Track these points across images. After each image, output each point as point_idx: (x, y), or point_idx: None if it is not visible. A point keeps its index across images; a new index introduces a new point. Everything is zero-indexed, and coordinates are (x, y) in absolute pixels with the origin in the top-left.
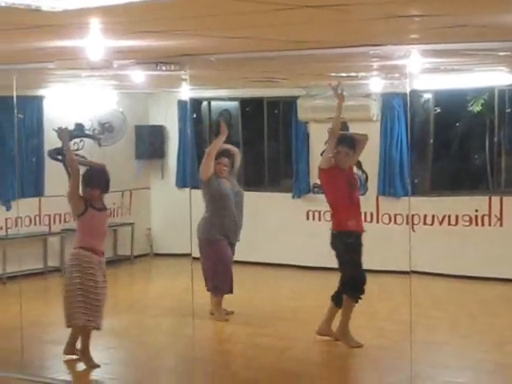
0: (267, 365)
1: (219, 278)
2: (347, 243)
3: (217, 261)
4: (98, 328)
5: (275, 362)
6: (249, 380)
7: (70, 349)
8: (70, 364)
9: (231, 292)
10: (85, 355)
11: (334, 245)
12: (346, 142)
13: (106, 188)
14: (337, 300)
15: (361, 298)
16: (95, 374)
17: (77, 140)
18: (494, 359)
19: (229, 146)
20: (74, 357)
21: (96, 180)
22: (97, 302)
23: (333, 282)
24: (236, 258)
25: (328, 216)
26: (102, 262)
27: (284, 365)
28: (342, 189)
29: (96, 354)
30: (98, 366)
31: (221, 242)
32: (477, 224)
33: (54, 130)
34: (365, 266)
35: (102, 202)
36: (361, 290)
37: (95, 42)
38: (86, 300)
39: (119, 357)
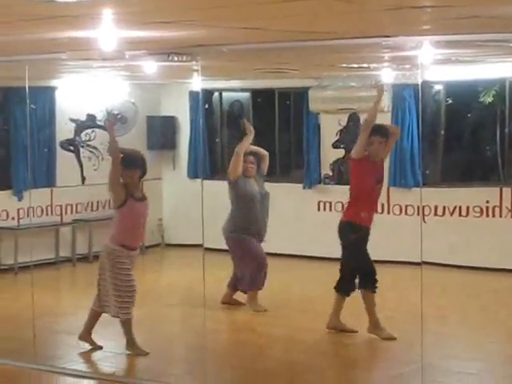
0: (279, 355)
1: (254, 274)
2: (354, 234)
3: (250, 258)
4: (129, 318)
5: (287, 353)
6: (260, 370)
7: (85, 335)
8: (85, 355)
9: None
10: (132, 345)
11: (340, 233)
12: (381, 132)
13: (144, 170)
14: (341, 289)
15: (377, 287)
16: (109, 365)
17: (89, 131)
18: (505, 350)
19: (257, 148)
20: (87, 345)
21: (134, 161)
22: (129, 293)
23: None
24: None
25: (339, 206)
26: (135, 256)
27: (295, 355)
28: (368, 182)
29: (109, 343)
30: (148, 353)
31: (249, 239)
32: (488, 215)
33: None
34: (376, 257)
35: (142, 192)
36: (373, 280)
37: (107, 33)
38: (119, 294)
39: None
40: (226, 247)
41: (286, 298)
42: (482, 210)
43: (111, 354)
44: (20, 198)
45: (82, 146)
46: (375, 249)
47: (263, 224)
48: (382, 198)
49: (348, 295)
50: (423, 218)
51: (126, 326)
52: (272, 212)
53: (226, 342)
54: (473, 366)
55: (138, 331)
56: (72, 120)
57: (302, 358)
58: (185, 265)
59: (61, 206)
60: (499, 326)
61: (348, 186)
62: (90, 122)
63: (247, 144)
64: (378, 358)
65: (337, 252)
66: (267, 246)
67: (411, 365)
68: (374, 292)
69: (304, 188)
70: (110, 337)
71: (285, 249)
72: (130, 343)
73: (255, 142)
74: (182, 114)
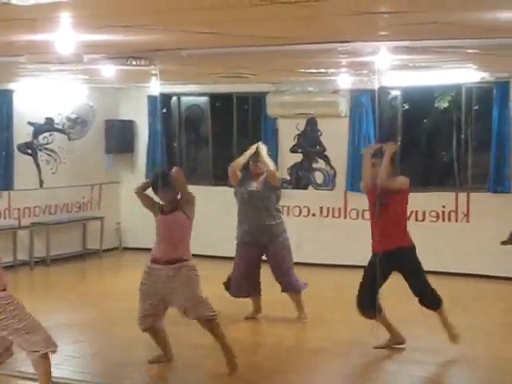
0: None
1: (237, 280)
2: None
3: (237, 263)
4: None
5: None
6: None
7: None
8: None
9: (249, 296)
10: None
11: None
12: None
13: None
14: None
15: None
16: (64, 368)
17: (47, 134)
18: (462, 353)
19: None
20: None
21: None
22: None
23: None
24: (206, 252)
25: (296, 211)
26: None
27: (254, 358)
28: None
29: (66, 347)
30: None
31: (244, 244)
32: (444, 220)
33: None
34: (334, 261)
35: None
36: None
37: (66, 36)
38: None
39: (89, 350)
40: None
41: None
42: (438, 214)
43: (66, 358)
44: None
45: (40, 150)
46: (333, 253)
47: (260, 223)
48: (339, 203)
49: None
50: None
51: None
52: (230, 216)
53: (182, 345)
54: (429, 369)
55: (96, 335)
56: (30, 123)
57: (261, 363)
58: (142, 268)
59: (19, 209)
60: (458, 330)
61: (304, 191)
62: (48, 125)
63: (243, 161)
64: (338, 362)
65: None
66: (226, 249)
67: (367, 368)
68: (371, 318)
69: None
70: (65, 340)
71: None
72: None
73: (213, 146)
74: (141, 117)
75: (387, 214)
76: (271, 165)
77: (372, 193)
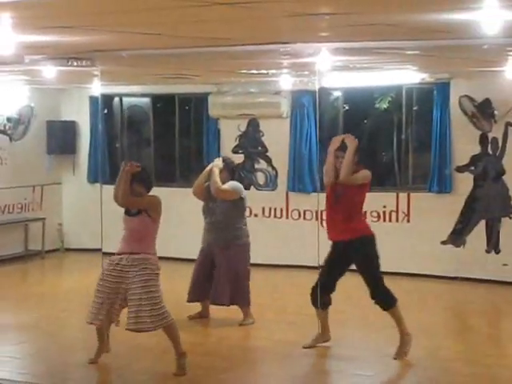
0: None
1: (193, 282)
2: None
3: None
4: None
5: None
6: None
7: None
8: None
9: (192, 301)
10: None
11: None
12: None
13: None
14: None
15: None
16: (5, 370)
17: None
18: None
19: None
20: None
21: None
22: None
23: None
24: None
25: None
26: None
27: (194, 358)
28: None
29: (7, 348)
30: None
31: (202, 248)
32: (385, 220)
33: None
34: (275, 261)
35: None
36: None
37: (6, 37)
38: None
39: (31, 351)
40: None
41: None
42: (379, 214)
43: (8, 359)
44: None
45: None
46: (274, 253)
47: (218, 226)
48: (281, 203)
49: None
50: (321, 223)
51: None
52: (172, 216)
53: (128, 346)
54: (371, 368)
55: (37, 335)
56: None
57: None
58: (84, 269)
59: None
60: (395, 330)
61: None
62: None
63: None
64: (275, 362)
65: None
66: (166, 249)
67: (309, 368)
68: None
69: None
70: (7, 341)
71: (186, 253)
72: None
73: (155, 147)
74: (82, 118)
75: (342, 205)
76: (217, 184)
77: (332, 185)
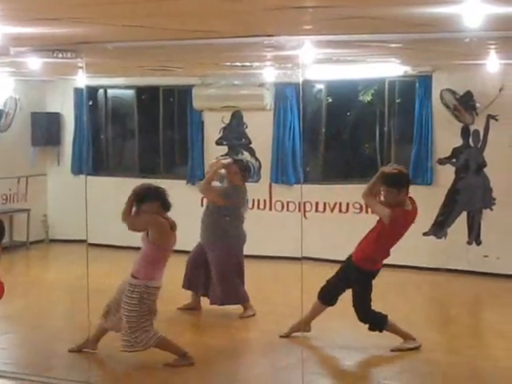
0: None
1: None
2: None
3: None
4: None
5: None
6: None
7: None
8: None
9: (184, 288)
10: None
11: None
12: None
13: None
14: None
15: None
16: None
17: None
18: (384, 342)
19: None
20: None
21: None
22: None
23: None
24: (131, 243)
25: None
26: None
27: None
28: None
29: None
30: None
31: (198, 243)
32: (367, 212)
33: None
34: (258, 252)
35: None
36: None
37: None
38: None
39: (16, 342)
40: (110, 243)
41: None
42: (361, 206)
43: None
44: None
45: None
46: (257, 244)
47: (206, 226)
48: (265, 195)
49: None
50: (304, 214)
51: None
52: None
53: (108, 337)
54: (352, 357)
55: (23, 326)
56: None
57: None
58: (69, 260)
59: None
60: None
61: None
62: None
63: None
64: (259, 352)
65: None
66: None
67: (292, 358)
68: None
69: (187, 184)
70: None
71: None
72: None
73: (140, 139)
74: (67, 110)
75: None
76: (206, 183)
77: None
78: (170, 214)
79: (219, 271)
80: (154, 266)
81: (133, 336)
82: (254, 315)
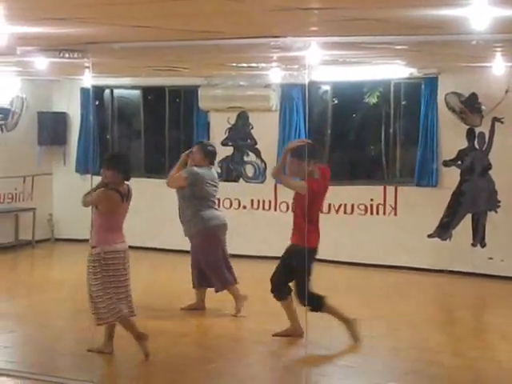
0: (165, 347)
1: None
2: None
3: None
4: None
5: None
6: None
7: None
8: None
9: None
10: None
11: None
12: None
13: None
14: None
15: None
16: None
17: None
18: (388, 344)
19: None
20: None
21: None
22: None
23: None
24: (135, 243)
25: (227, 203)
26: None
27: (180, 348)
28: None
29: None
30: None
31: None
32: (372, 213)
33: None
34: (263, 253)
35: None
36: None
37: None
38: None
39: (21, 340)
40: None
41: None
42: (366, 207)
43: (0, 348)
44: None
45: None
46: (263, 245)
47: (183, 218)
48: (270, 196)
49: None
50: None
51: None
52: (161, 208)
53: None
54: (356, 359)
55: (27, 325)
56: None
57: (189, 352)
58: (74, 259)
59: None
60: (383, 321)
61: (236, 183)
62: None
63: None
64: (262, 352)
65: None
66: (155, 241)
67: (295, 357)
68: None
69: None
70: None
71: (176, 244)
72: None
73: (145, 139)
74: (73, 110)
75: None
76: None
77: None
78: (176, 213)
79: (201, 261)
80: (107, 232)
81: (96, 307)
82: (246, 299)
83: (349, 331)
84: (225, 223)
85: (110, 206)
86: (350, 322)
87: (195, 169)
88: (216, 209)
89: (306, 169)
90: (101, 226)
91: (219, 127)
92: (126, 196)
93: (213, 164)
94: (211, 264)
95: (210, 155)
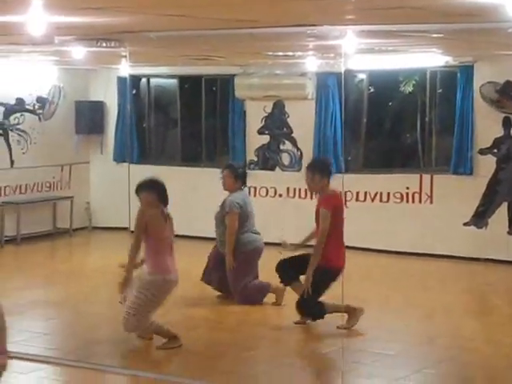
0: (201, 335)
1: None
2: None
3: None
4: None
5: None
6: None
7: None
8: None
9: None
10: None
11: None
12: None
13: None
14: None
15: None
16: (34, 345)
17: (17, 114)
18: (423, 332)
19: None
20: None
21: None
22: None
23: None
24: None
25: (263, 191)
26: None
27: (216, 335)
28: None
29: (36, 324)
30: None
31: None
32: (408, 201)
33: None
34: (297, 241)
35: None
36: None
37: (37, 18)
38: None
39: (59, 327)
40: None
41: None
42: (402, 195)
43: (37, 335)
44: None
45: (11, 130)
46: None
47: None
48: (301, 184)
49: None
50: (345, 204)
51: None
52: (198, 196)
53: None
54: (392, 346)
55: (66, 312)
56: (1, 104)
57: (224, 338)
58: (111, 247)
59: None
60: (419, 309)
61: (272, 172)
62: (19, 105)
63: None
64: (301, 340)
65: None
66: (193, 229)
67: (333, 346)
68: None
69: None
70: (36, 317)
71: (211, 232)
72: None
73: (182, 128)
74: (110, 99)
75: None
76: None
77: None
78: (212, 202)
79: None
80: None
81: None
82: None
83: (350, 318)
84: (263, 247)
85: (153, 223)
86: (357, 310)
87: (237, 201)
88: (254, 231)
89: (318, 182)
90: (152, 249)
91: (255, 116)
92: (167, 216)
93: (245, 185)
94: (238, 283)
95: (241, 178)
